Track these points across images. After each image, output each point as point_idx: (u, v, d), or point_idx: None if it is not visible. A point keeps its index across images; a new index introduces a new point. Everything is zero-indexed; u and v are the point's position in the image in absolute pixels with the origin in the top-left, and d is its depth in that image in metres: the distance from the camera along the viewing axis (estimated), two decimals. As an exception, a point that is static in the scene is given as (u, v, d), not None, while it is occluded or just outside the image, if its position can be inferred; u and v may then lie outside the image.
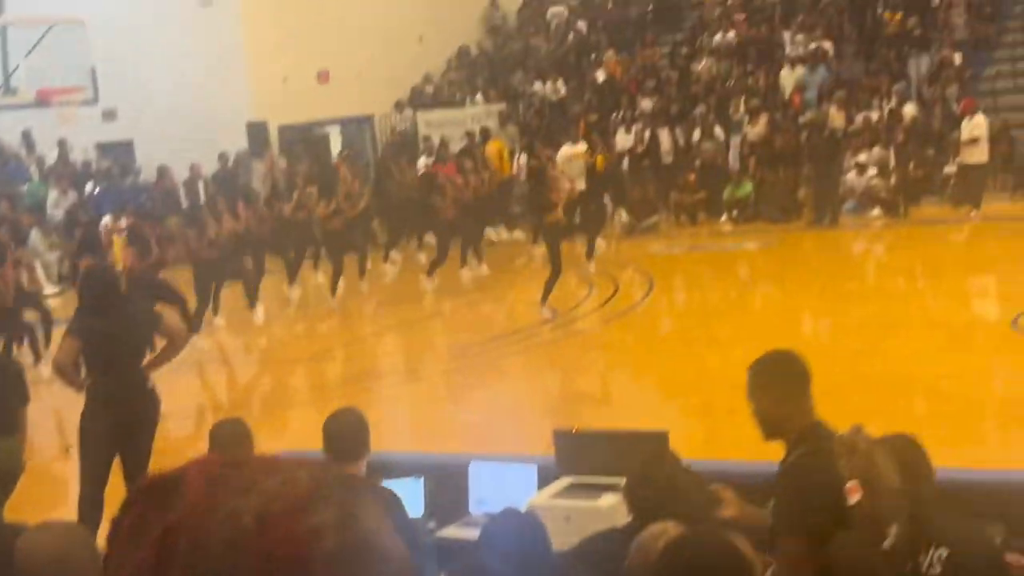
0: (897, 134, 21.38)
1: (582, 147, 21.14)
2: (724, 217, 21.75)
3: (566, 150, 20.90)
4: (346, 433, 5.04)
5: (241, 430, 5.59)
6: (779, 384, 4.39)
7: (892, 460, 3.85)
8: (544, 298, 14.18)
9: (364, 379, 12.92)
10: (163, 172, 24.55)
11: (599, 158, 20.69)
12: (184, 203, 24.15)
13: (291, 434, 10.77)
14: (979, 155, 19.40)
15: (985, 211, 19.33)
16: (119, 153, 25.91)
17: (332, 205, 17.18)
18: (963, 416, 9.40)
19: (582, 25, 29.32)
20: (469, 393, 12.47)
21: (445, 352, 13.99)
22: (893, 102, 22.18)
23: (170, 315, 8.35)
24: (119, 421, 7.33)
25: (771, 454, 8.16)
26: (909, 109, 22.16)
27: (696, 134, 22.98)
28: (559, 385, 12.40)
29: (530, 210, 17.60)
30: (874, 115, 22.04)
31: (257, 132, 24.32)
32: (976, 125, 19.49)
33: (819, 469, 4.04)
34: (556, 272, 14.19)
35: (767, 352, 4.53)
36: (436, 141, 24.38)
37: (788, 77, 23.87)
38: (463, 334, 15.11)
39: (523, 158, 22.10)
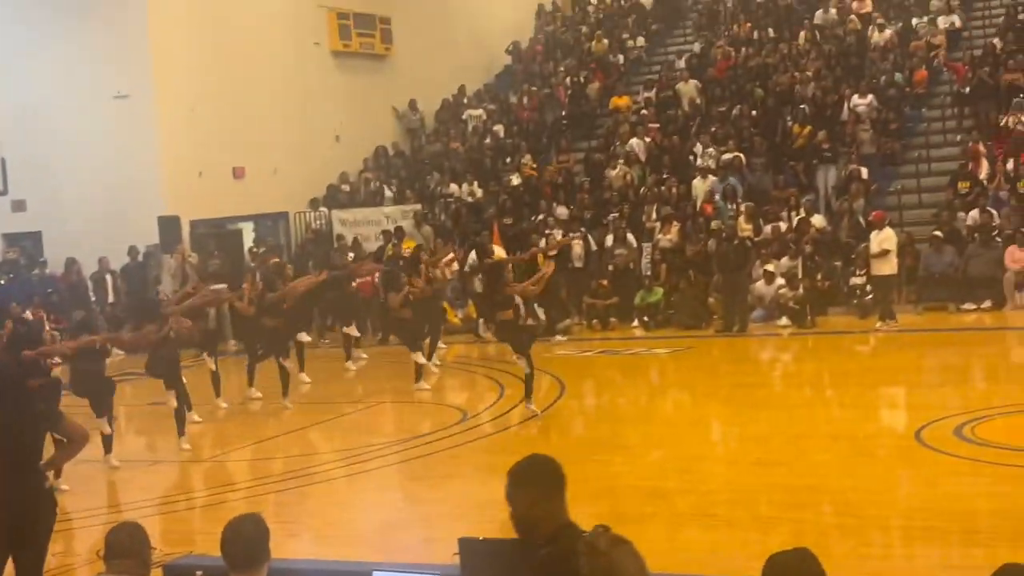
0: (804, 245, 21.81)
1: (500, 251, 21.39)
2: (635, 322, 21.93)
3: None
4: (245, 541, 4.92)
5: (138, 535, 5.45)
6: (535, 487, 4.56)
7: (633, 561, 3.95)
8: (528, 396, 14.36)
9: (268, 481, 12.71)
10: (70, 265, 24.25)
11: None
12: (92, 296, 23.86)
13: (200, 536, 10.54)
14: (888, 267, 19.83)
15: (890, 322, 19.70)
16: (27, 244, 25.54)
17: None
18: (867, 528, 9.45)
19: (498, 129, 29.65)
20: (373, 497, 12.30)
21: (350, 454, 13.81)
22: (802, 213, 22.66)
23: (70, 415, 8.14)
24: (13, 524, 7.11)
25: (680, 566, 8.15)
26: (817, 220, 22.64)
27: (609, 240, 23.22)
28: (466, 490, 12.28)
29: (484, 308, 17.63)
30: (783, 225, 22.47)
31: (169, 226, 24.11)
32: (885, 238, 19.93)
33: (561, 568, 4.13)
34: (530, 368, 14.32)
35: (526, 456, 4.69)
36: (350, 239, 24.43)
37: (699, 186, 24.26)
38: (370, 436, 14.96)
39: (472, 256, 22.27)
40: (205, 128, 24.97)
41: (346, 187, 28.26)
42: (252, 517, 5.10)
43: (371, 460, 13.15)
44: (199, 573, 6.11)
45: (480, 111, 30.51)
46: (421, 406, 15.90)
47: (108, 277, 23.68)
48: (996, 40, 26.22)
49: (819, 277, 21.15)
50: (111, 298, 23.43)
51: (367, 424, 15.88)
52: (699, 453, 12.42)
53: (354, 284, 20.22)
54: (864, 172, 23.49)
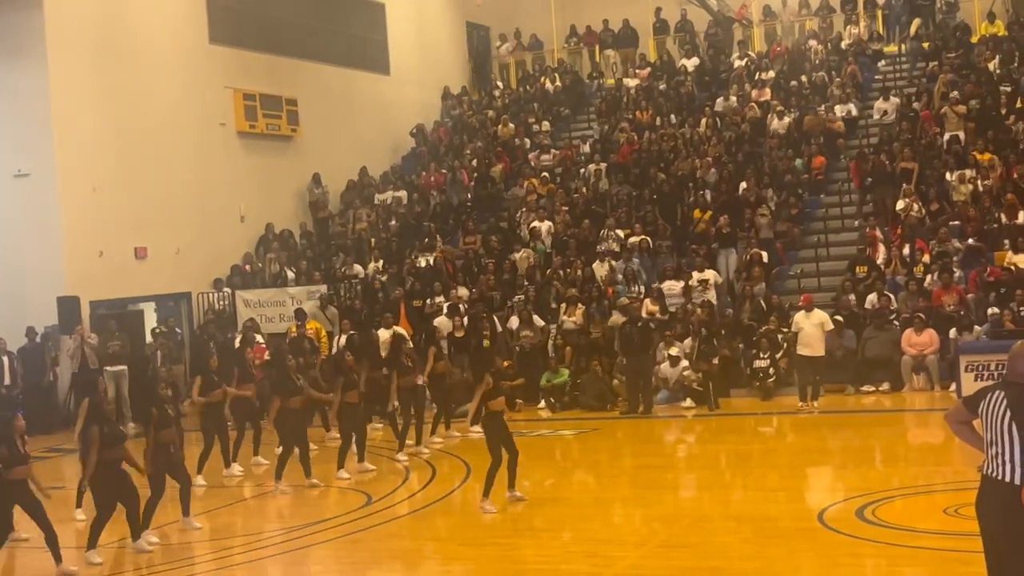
0: (698, 327, 21.93)
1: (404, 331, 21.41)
2: (541, 403, 21.96)
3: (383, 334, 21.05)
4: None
5: None
6: None
7: None
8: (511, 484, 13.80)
9: (168, 567, 12.45)
10: (-33, 345, 23.70)
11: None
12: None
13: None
14: (817, 347, 19.99)
15: (793, 404, 19.96)
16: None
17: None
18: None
19: (404, 211, 29.73)
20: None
21: (248, 540, 13.57)
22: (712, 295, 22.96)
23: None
24: None
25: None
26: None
27: (514, 322, 23.28)
28: None
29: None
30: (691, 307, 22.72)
31: (68, 307, 23.69)
32: (823, 320, 20.10)
33: None
34: (512, 452, 13.82)
35: None
36: (254, 320, 24.20)
37: (601, 269, 24.49)
38: (270, 521, 14.75)
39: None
40: (107, 207, 24.69)
41: (248, 267, 28.07)
42: None
43: (276, 545, 12.94)
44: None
45: (389, 194, 30.56)
46: (326, 490, 15.71)
47: (5, 359, 23.15)
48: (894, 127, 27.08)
49: (714, 360, 21.23)
50: (7, 380, 22.90)
51: (270, 508, 15.68)
52: (605, 536, 12.42)
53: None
54: (764, 256, 23.91)
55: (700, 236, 25.17)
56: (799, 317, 20.36)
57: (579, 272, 24.64)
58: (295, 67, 30.34)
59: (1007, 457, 6.74)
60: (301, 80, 30.41)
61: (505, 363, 21.76)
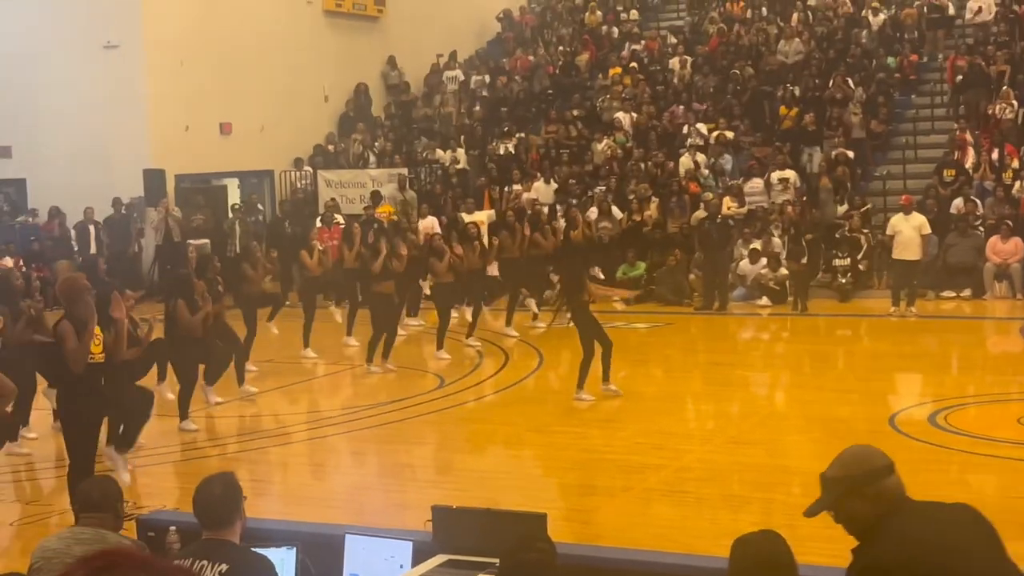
0: (789, 226, 21.74)
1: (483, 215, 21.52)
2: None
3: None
4: (215, 501, 4.95)
5: (111, 489, 5.52)
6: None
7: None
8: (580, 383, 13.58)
9: (245, 439, 12.76)
10: (54, 214, 24.16)
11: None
12: (75, 247, 23.78)
13: (175, 492, 10.60)
14: (914, 252, 19.44)
15: (873, 307, 19.77)
16: (11, 191, 25.41)
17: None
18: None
19: (486, 96, 29.59)
20: (348, 460, 12.37)
21: (329, 416, 13.85)
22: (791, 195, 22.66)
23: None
24: None
25: (649, 541, 8.23)
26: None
27: (593, 212, 23.18)
28: (440, 458, 12.34)
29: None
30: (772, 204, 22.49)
31: (154, 179, 24.02)
32: (921, 223, 19.48)
33: None
34: (605, 343, 13.80)
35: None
36: (335, 200, 24.35)
37: (686, 163, 24.27)
38: (347, 399, 15.02)
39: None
40: (193, 82, 24.85)
41: (331, 147, 28.19)
42: (223, 477, 5.12)
43: (347, 423, 13.19)
44: (173, 528, 6.13)
45: (473, 78, 30.40)
46: (399, 372, 15.93)
47: (91, 228, 23.59)
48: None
49: (803, 260, 20.91)
50: (93, 249, 23.35)
51: (345, 387, 15.96)
52: (673, 430, 12.50)
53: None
54: (851, 155, 23.53)
55: (786, 133, 24.82)
56: (897, 220, 19.74)
57: (664, 165, 24.40)
58: (384, -54, 30.13)
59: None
60: (389, -41, 30.22)
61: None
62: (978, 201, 21.76)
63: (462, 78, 30.48)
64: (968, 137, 23.31)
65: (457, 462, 12.00)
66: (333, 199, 24.55)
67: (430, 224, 21.45)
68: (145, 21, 24.52)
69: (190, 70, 24.84)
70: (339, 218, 23.00)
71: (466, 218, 21.35)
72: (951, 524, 3.91)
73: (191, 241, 22.86)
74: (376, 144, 28.12)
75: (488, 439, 12.74)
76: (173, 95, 24.67)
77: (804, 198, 22.75)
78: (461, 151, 27.11)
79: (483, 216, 22.63)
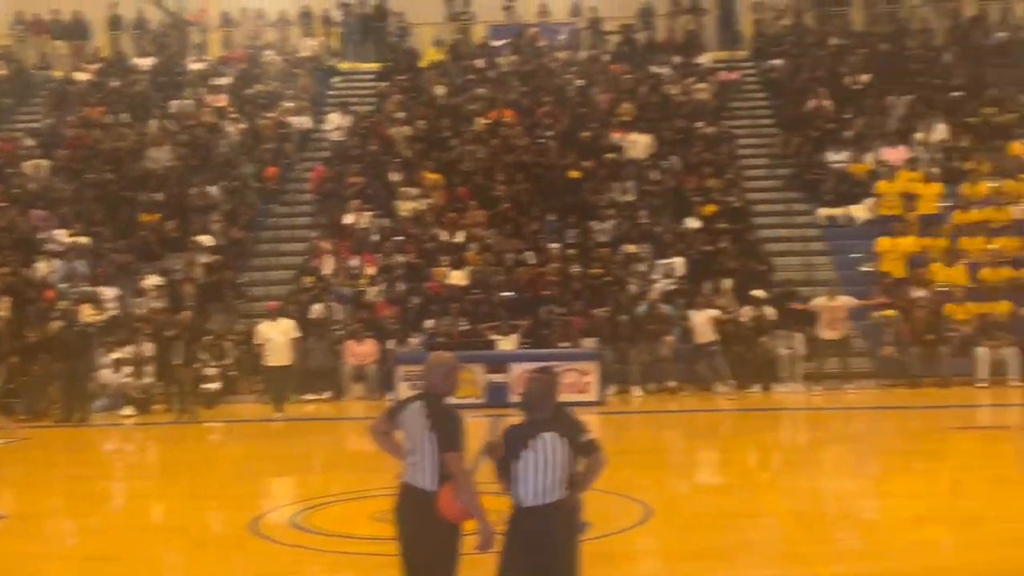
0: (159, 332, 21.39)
1: None
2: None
3: None
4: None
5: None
6: None
7: None
8: None
9: None
10: None
11: None
12: None
13: None
14: (286, 356, 19.95)
15: (238, 412, 19.89)
16: None
17: None
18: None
19: None
20: None
21: None
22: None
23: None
24: None
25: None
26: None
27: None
28: None
29: None
30: (136, 311, 22.14)
31: None
32: (288, 327, 20.12)
33: None
34: None
35: None
36: None
37: (44, 270, 23.35)
38: None
39: None
40: None
41: None
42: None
43: None
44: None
45: None
46: None
47: None
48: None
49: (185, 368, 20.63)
50: None
51: None
52: (29, 550, 11.73)
53: None
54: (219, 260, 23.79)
55: (150, 240, 24.61)
56: (264, 327, 20.28)
57: (15, 273, 23.25)
58: None
59: (424, 465, 7.03)
60: None
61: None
62: (334, 306, 22.68)
63: None
64: (327, 245, 24.30)
65: None
66: None
67: None
68: None
69: None
70: None
71: None
72: None
73: None
74: None
75: None
76: None
77: (173, 303, 22.63)
78: None
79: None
